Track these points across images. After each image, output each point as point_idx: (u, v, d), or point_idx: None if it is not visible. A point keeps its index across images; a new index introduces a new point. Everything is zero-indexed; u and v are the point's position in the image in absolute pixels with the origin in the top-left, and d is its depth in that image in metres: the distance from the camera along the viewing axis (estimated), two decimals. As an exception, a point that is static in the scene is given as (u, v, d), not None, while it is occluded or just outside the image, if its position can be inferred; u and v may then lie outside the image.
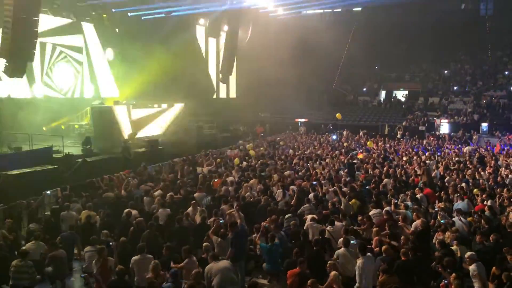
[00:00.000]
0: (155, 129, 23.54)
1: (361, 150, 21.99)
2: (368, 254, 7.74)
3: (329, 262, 7.81)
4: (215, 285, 7.23)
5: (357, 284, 7.45)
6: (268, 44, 32.40)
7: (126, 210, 10.60)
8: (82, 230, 10.25)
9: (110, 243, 8.73)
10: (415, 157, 19.28)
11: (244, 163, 17.55)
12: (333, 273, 7.28)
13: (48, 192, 12.77)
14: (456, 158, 19.38)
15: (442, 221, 9.47)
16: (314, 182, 13.15)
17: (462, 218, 9.90)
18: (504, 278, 6.98)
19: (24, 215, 11.31)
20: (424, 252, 8.50)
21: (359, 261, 7.55)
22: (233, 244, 8.68)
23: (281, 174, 15.00)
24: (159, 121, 24.05)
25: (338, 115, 25.66)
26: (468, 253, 7.83)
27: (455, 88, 38.78)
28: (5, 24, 14.57)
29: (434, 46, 40.58)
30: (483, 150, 22.81)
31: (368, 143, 23.16)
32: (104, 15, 24.55)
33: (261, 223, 9.86)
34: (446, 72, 41.03)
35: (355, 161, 17.66)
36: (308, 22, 35.09)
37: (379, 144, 25.35)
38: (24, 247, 8.73)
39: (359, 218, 10.24)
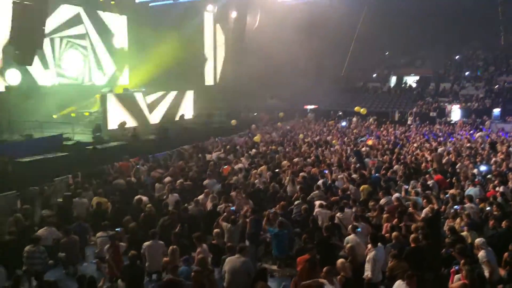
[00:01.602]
0: (164, 116, 23.57)
1: (371, 137, 21.88)
2: (379, 244, 7.70)
3: (348, 245, 7.81)
4: (225, 284, 7.25)
5: (369, 275, 7.40)
6: (277, 30, 32.03)
7: (136, 197, 10.73)
8: (94, 216, 10.38)
9: (118, 229, 8.83)
10: (425, 144, 19.15)
11: (253, 150, 17.56)
12: (340, 260, 7.28)
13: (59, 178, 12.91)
14: (468, 144, 19.19)
15: (456, 207, 9.38)
16: (325, 171, 13.09)
17: (473, 204, 9.83)
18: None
19: (37, 202, 11.44)
20: (434, 238, 8.46)
21: (372, 253, 7.48)
22: (252, 227, 8.85)
23: (290, 161, 14.99)
24: (168, 108, 24.06)
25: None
26: (477, 240, 7.78)
27: (466, 73, 38.23)
28: (13, 12, 14.60)
29: (446, 31, 39.87)
30: (495, 135, 22.55)
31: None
32: (112, 2, 24.48)
33: (268, 210, 9.90)
34: (457, 57, 40.42)
35: (363, 148, 17.57)
36: (317, 7, 34.58)
37: (390, 130, 25.18)
38: (36, 233, 8.86)
39: (371, 203, 10.20)
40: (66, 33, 22.66)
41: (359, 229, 8.41)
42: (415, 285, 6.45)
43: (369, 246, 7.71)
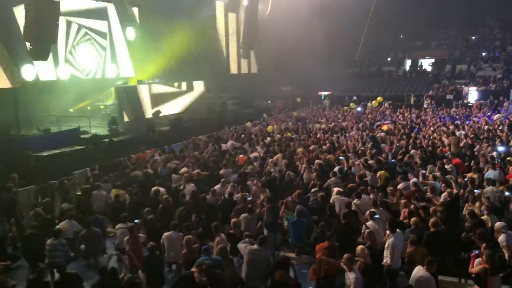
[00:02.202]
0: (179, 107, 23.66)
1: (387, 122, 21.67)
2: (398, 230, 7.66)
3: (367, 230, 7.79)
4: (244, 275, 7.28)
5: (388, 262, 7.38)
6: (289, 16, 31.71)
7: (154, 188, 10.83)
8: (112, 209, 10.53)
9: (136, 221, 8.93)
10: (442, 127, 18.89)
11: (268, 138, 17.54)
12: (359, 247, 7.28)
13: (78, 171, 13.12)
14: (486, 127, 18.88)
15: (476, 191, 9.26)
16: (341, 157, 13.01)
17: (494, 187, 9.70)
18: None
19: (57, 195, 11.64)
20: (453, 223, 8.39)
21: (390, 239, 7.44)
22: (270, 216, 8.92)
23: (306, 148, 14.95)
24: (183, 99, 24.14)
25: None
26: (497, 224, 7.70)
27: (483, 54, 37.43)
28: (26, 7, 14.71)
29: (461, 12, 39.03)
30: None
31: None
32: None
33: (286, 198, 9.91)
34: (473, 37, 39.57)
35: (379, 134, 17.43)
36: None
37: (405, 114, 24.89)
38: (58, 226, 9.03)
39: (389, 189, 10.12)
40: (86, 22, 22.72)
41: (377, 216, 8.37)
42: (435, 270, 6.43)
43: (388, 232, 7.68)
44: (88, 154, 15.21)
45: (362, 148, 14.99)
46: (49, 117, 18.31)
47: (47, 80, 20.07)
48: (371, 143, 15.68)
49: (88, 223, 9.02)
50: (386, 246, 7.50)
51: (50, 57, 16.42)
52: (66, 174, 12.78)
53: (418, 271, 6.50)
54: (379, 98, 25.32)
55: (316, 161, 13.00)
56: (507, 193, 9.47)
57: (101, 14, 23.59)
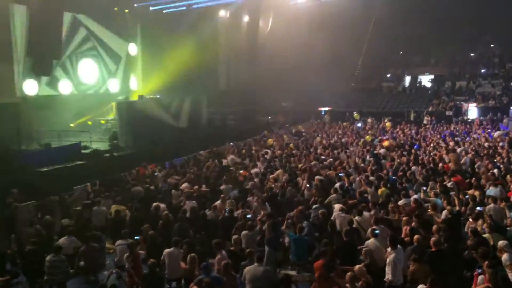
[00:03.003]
0: (179, 122, 23.68)
1: (386, 137, 21.71)
2: (399, 246, 7.62)
3: (364, 249, 7.75)
4: None
5: (390, 278, 7.34)
6: (289, 33, 32.04)
7: (154, 204, 10.80)
8: (112, 225, 10.48)
9: (137, 237, 8.90)
10: (442, 144, 18.91)
11: (269, 153, 17.54)
12: (357, 266, 7.22)
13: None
14: (486, 143, 18.90)
15: (479, 208, 9.22)
16: (340, 174, 12.98)
17: (495, 205, 9.67)
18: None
19: (57, 211, 11.59)
20: (455, 240, 8.34)
21: (391, 256, 7.40)
22: (271, 233, 8.88)
23: (306, 164, 14.95)
24: (183, 114, 24.17)
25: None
26: (501, 242, 7.62)
27: (482, 70, 37.65)
28: (30, 23, 14.88)
29: (459, 28, 39.37)
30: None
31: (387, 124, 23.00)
32: (126, 10, 24.76)
33: (288, 214, 9.87)
34: (473, 54, 39.85)
35: (381, 150, 17.45)
36: (329, 8, 34.49)
37: (405, 131, 24.94)
38: (57, 242, 8.98)
39: (390, 205, 10.09)
40: (81, 45, 22.94)
41: (377, 232, 8.33)
42: None
43: (389, 249, 7.64)
44: (89, 169, 15.19)
45: (363, 164, 14.97)
46: (50, 132, 18.33)
47: (48, 94, 20.17)
48: (371, 159, 15.68)
49: (88, 239, 8.98)
50: (387, 262, 7.46)
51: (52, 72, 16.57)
52: (66, 189, 12.74)
53: None
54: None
55: (317, 177, 12.98)
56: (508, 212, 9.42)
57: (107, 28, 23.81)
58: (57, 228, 10.73)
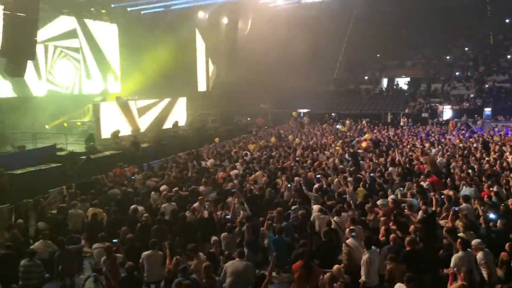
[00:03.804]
0: (157, 124, 23.52)
1: (364, 138, 21.97)
2: (373, 247, 7.70)
3: (343, 250, 7.80)
4: (228, 286, 7.21)
5: (363, 279, 7.41)
6: (268, 35, 32.19)
7: (132, 207, 10.65)
8: (89, 228, 10.31)
9: (114, 240, 8.78)
10: (418, 145, 19.24)
11: (248, 155, 17.54)
12: (335, 267, 7.28)
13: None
14: (461, 145, 19.31)
15: (454, 208, 9.40)
16: (318, 175, 13.06)
17: (469, 204, 9.89)
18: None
19: (32, 214, 11.34)
20: (430, 240, 8.48)
21: (365, 256, 7.46)
22: (251, 235, 8.88)
23: (287, 163, 15.03)
24: (162, 116, 24.03)
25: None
26: (475, 241, 7.79)
27: (457, 73, 38.51)
28: (5, 23, 14.54)
29: (435, 32, 40.24)
30: (488, 135, 22.69)
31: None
32: (103, 11, 24.46)
33: (268, 215, 9.88)
34: (448, 57, 40.73)
35: (359, 150, 17.67)
36: (308, 11, 34.82)
37: (383, 132, 25.29)
38: (32, 247, 8.78)
39: (367, 206, 10.21)
40: (60, 43, 22.59)
41: (353, 234, 8.42)
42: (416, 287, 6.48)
43: (364, 249, 7.71)
44: (65, 171, 14.93)
45: (341, 166, 15.10)
46: (25, 134, 17.95)
47: (23, 96, 19.76)
48: (350, 160, 15.85)
49: (63, 243, 8.81)
50: (361, 263, 7.54)
51: (27, 73, 16.22)
52: (41, 192, 12.47)
53: None
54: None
55: (296, 178, 13.04)
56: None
57: (79, 30, 23.46)
58: (32, 231, 10.50)
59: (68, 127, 21.55)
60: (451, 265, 7.26)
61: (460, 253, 7.37)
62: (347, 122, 30.05)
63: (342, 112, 34.31)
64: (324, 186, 12.28)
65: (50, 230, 9.90)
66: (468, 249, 7.52)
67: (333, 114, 32.70)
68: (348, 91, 39.72)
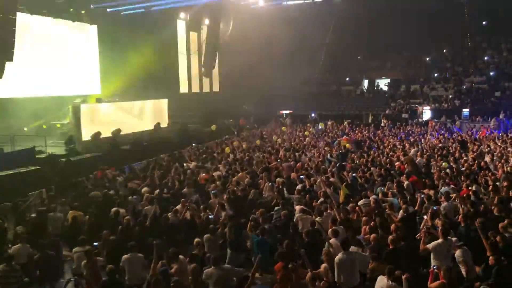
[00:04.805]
0: (139, 125, 23.30)
1: (344, 137, 22.19)
2: (350, 249, 7.75)
3: (324, 250, 7.85)
4: None
5: (336, 279, 7.39)
6: (250, 36, 32.24)
7: (113, 209, 10.53)
8: (69, 231, 10.17)
9: (95, 244, 8.67)
10: (398, 145, 19.52)
11: (231, 156, 17.53)
12: (323, 265, 7.32)
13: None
14: (440, 145, 19.65)
15: (434, 208, 9.54)
16: (301, 176, 13.12)
17: (449, 203, 10.06)
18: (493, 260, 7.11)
19: (10, 218, 11.12)
20: (411, 239, 8.59)
21: (337, 257, 7.45)
22: (233, 235, 8.85)
23: (273, 163, 15.07)
24: (143, 117, 23.83)
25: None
26: (453, 239, 7.95)
27: (435, 74, 39.17)
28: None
29: (415, 34, 40.79)
30: (466, 135, 23.12)
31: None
32: (83, 12, 24.14)
33: (251, 216, 9.88)
34: (427, 59, 41.38)
35: (338, 151, 17.89)
36: (290, 13, 34.96)
37: (364, 133, 25.56)
38: (10, 251, 8.61)
39: (350, 206, 10.29)
40: (37, 44, 22.17)
41: (337, 231, 8.47)
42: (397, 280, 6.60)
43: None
44: (44, 174, 14.69)
45: (323, 166, 15.21)
46: (2, 136, 17.60)
47: (0, 97, 19.37)
48: (332, 161, 15.99)
49: (42, 247, 8.66)
50: (335, 263, 7.49)
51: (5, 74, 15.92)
52: (20, 195, 12.26)
53: (381, 280, 6.74)
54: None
55: (278, 179, 13.08)
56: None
57: (59, 31, 23.09)
58: (10, 236, 10.29)
59: (48, 129, 21.18)
60: (430, 248, 7.61)
61: (440, 240, 7.52)
62: (329, 123, 30.27)
63: (324, 113, 34.55)
64: (307, 186, 12.33)
65: (29, 234, 9.73)
66: (449, 237, 7.68)
67: (312, 114, 32.93)
68: (330, 92, 40.01)
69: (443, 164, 14.34)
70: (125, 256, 8.12)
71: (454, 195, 10.55)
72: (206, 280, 7.25)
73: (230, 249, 8.98)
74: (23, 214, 11.29)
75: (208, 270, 7.29)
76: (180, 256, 8.07)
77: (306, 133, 23.65)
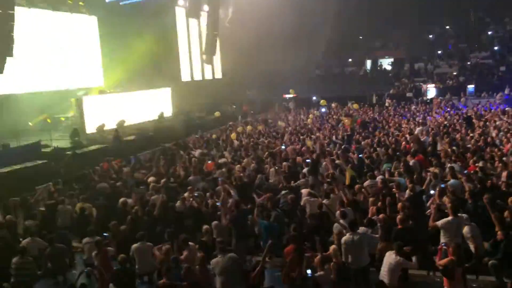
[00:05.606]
0: (143, 115, 23.31)
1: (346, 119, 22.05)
2: (363, 228, 7.74)
3: (334, 230, 7.85)
4: (217, 284, 7.17)
5: (342, 259, 7.37)
6: (251, 22, 31.95)
7: (121, 200, 10.59)
8: (78, 223, 10.25)
9: (105, 234, 8.73)
10: (404, 125, 19.40)
11: (236, 142, 17.51)
12: (332, 247, 7.34)
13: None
14: (445, 122, 19.51)
15: (442, 185, 9.50)
16: (307, 160, 13.10)
17: (456, 180, 10.02)
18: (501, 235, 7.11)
19: (20, 212, 11.21)
20: (419, 217, 8.59)
21: (344, 238, 7.45)
22: (237, 222, 8.81)
23: (277, 148, 15.05)
24: (147, 107, 23.81)
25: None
26: (463, 216, 7.93)
27: (439, 52, 38.76)
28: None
29: (416, 11, 40.28)
30: (471, 111, 22.92)
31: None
32: (81, 3, 23.99)
33: (258, 201, 9.90)
34: (430, 36, 40.92)
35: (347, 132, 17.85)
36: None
37: (369, 113, 25.42)
38: (21, 244, 8.71)
39: (356, 187, 10.27)
40: (37, 39, 22.11)
41: (346, 212, 8.47)
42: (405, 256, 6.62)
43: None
44: (51, 168, 14.76)
45: (328, 149, 15.16)
46: (8, 131, 17.67)
47: (3, 93, 19.38)
48: (337, 143, 15.94)
49: (52, 240, 8.74)
50: (341, 243, 7.49)
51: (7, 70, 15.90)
52: (28, 190, 12.34)
53: (389, 255, 6.83)
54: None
55: (284, 163, 13.06)
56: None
57: (58, 23, 22.99)
58: (20, 230, 10.38)
59: (52, 123, 21.22)
60: (439, 225, 7.60)
61: (450, 218, 7.51)
62: (333, 105, 30.05)
63: (327, 96, 34.34)
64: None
65: (39, 227, 9.82)
66: (459, 214, 7.66)
67: (314, 98, 32.72)
68: (333, 75, 39.75)
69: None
70: (134, 246, 8.19)
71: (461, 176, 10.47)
72: (213, 269, 7.29)
73: (234, 227, 8.97)
74: (32, 208, 11.36)
75: (214, 260, 7.31)
76: (190, 243, 8.12)
77: (309, 120, 23.43)
